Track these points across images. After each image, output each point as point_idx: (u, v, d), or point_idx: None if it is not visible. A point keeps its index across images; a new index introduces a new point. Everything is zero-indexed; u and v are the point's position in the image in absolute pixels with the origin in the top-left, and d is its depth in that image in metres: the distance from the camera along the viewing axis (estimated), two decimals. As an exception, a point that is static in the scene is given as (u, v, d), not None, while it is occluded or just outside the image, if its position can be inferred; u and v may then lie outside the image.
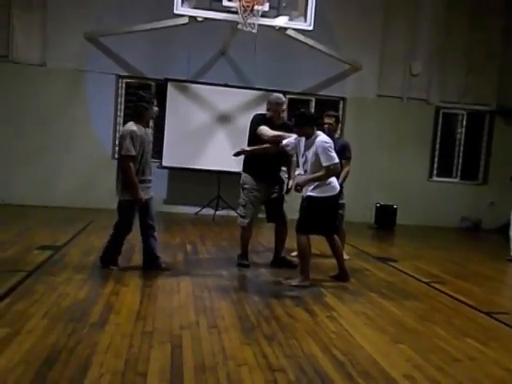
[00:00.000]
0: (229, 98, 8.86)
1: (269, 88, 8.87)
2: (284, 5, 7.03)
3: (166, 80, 8.72)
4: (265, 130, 4.98)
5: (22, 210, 7.95)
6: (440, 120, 10.11)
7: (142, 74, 8.99)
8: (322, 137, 4.56)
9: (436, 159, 10.17)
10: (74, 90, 8.77)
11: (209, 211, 8.84)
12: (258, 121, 5.15)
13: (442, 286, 4.99)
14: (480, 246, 8.38)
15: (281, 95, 5.25)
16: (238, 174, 9.18)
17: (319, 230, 4.74)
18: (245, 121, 8.84)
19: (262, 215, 5.44)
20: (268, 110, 5.11)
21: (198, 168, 8.80)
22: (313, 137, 4.55)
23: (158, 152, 8.88)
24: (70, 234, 6.29)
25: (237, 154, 5.03)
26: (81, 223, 7.08)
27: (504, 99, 9.97)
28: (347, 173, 5.64)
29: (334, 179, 4.63)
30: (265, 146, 4.95)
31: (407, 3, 9.56)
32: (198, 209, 8.88)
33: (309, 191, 4.57)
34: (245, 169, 5.23)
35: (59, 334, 3.06)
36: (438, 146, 10.15)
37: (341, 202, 5.48)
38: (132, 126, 4.56)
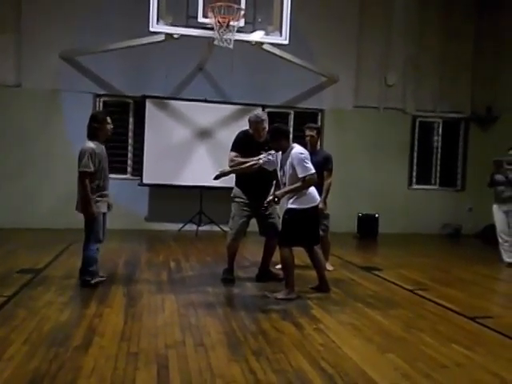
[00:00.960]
0: (208, 113, 8.88)
1: (248, 102, 8.95)
2: (259, 20, 7.10)
3: (145, 97, 8.71)
4: (231, 157, 5.03)
5: (0, 233, 7.78)
6: (417, 128, 10.28)
7: (120, 91, 8.96)
8: (297, 148, 4.59)
9: (415, 167, 10.31)
10: (50, 110, 8.68)
11: (192, 227, 8.78)
12: (237, 140, 5.18)
13: (426, 293, 5.03)
14: (462, 252, 8.48)
15: (260, 113, 5.22)
16: (220, 188, 9.20)
17: (301, 242, 4.76)
18: (225, 135, 8.96)
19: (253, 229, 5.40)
20: (250, 128, 5.11)
21: (179, 184, 8.76)
22: (288, 149, 4.58)
23: (138, 169, 8.84)
24: (51, 256, 6.18)
25: (216, 178, 4.99)
26: (61, 245, 6.95)
27: (477, 106, 10.20)
28: (330, 184, 5.69)
29: (313, 190, 4.64)
30: (243, 166, 4.94)
31: (380, 15, 9.75)
32: (180, 225, 8.81)
33: (289, 204, 4.58)
34: (236, 182, 5.27)
35: (41, 359, 2.99)
36: (416, 154, 10.31)
37: (325, 212, 5.52)
38: (90, 143, 4.78)
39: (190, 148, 8.80)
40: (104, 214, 4.88)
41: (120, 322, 3.75)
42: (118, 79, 8.88)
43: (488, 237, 9.28)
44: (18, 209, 8.48)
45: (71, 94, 8.68)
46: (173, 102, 8.84)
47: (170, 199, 8.88)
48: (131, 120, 9.16)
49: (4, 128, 8.49)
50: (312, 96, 9.59)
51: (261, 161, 4.80)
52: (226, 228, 8.93)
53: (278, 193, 4.61)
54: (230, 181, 8.85)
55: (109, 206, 4.96)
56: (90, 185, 4.67)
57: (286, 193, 4.55)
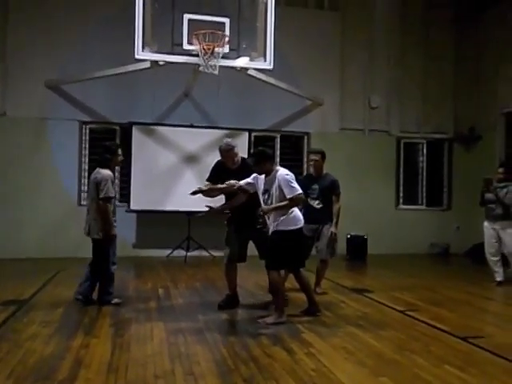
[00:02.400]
0: (195, 139, 8.90)
1: (234, 127, 9.00)
2: (244, 46, 7.20)
3: (131, 124, 8.72)
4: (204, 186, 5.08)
5: (-16, 264, 7.63)
6: (402, 150, 10.40)
7: (106, 118, 8.96)
8: (282, 170, 4.62)
9: (401, 188, 10.40)
10: (36, 139, 8.64)
11: (180, 253, 8.69)
12: (212, 169, 5.28)
13: (417, 314, 5.00)
14: (451, 271, 8.49)
15: (230, 141, 5.15)
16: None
17: (288, 265, 4.74)
18: (211, 160, 8.78)
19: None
20: (221, 157, 5.16)
21: (166, 210, 8.71)
22: (273, 172, 4.59)
23: (125, 195, 8.79)
24: (36, 286, 6.05)
25: (193, 193, 4.99)
26: (47, 274, 6.83)
27: (460, 126, 10.37)
28: (339, 209, 5.79)
29: (296, 211, 4.64)
30: (220, 186, 4.93)
31: (363, 39, 9.95)
32: (169, 251, 8.73)
33: (275, 226, 4.57)
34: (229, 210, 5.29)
35: (25, 394, 2.89)
36: (402, 175, 10.40)
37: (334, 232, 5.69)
38: (106, 171, 5.14)
39: (176, 173, 8.78)
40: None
41: (107, 353, 3.66)
42: (104, 106, 8.89)
43: (476, 255, 9.35)
44: (2, 238, 8.34)
45: (57, 121, 8.66)
46: (159, 127, 8.87)
47: (158, 225, 8.81)
48: (118, 146, 9.14)
49: (-12, 157, 8.42)
50: (298, 119, 9.68)
51: (249, 180, 4.78)
52: (214, 253, 8.93)
53: (264, 207, 4.59)
54: (217, 205, 8.82)
55: None
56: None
57: (273, 209, 4.53)
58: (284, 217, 4.53)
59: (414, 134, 10.39)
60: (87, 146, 9.04)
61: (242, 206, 5.00)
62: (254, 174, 4.77)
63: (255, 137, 9.44)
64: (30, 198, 8.54)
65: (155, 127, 8.85)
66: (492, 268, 6.80)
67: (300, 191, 4.52)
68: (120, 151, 5.36)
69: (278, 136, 9.78)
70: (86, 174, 8.98)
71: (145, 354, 3.69)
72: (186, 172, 8.83)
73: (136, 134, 8.69)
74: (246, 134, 9.11)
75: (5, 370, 3.26)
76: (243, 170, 4.99)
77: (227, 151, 5.05)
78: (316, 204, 5.78)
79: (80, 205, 8.87)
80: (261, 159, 4.63)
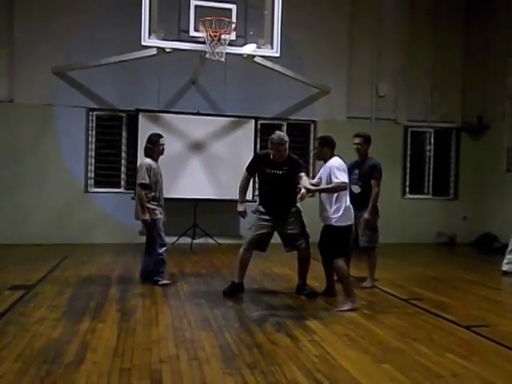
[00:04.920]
0: (201, 126, 8.88)
1: (240, 114, 8.99)
2: (251, 33, 7.14)
3: (137, 111, 8.71)
4: (242, 176, 5.28)
5: (-8, 249, 7.72)
6: (409, 138, 10.33)
7: (113, 105, 8.97)
8: (335, 159, 4.78)
9: (408, 177, 10.35)
10: (43, 125, 8.67)
11: (186, 240, 8.74)
12: (254, 160, 5.37)
13: (421, 303, 5.01)
14: (456, 261, 8.48)
15: (283, 134, 5.13)
16: (214, 200, 9.18)
17: (347, 253, 4.95)
18: (218, 147, 8.99)
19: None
20: (270, 149, 5.09)
21: (172, 197, 8.71)
22: (329, 160, 4.76)
23: (131, 183, 8.82)
24: (44, 271, 6.12)
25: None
26: (55, 259, 6.90)
27: (468, 115, 10.28)
28: (376, 194, 5.64)
29: (351, 210, 4.76)
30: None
31: (370, 26, 9.84)
32: (174, 238, 8.77)
33: (331, 221, 4.68)
34: (258, 195, 5.47)
35: (33, 377, 2.95)
36: (408, 164, 10.35)
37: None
38: (147, 160, 5.50)
39: (183, 161, 8.79)
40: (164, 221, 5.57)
41: (113, 337, 3.71)
42: (111, 93, 8.89)
43: (483, 245, 9.34)
44: (10, 224, 8.43)
45: (64, 108, 8.68)
46: (165, 115, 8.86)
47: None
48: (124, 134, 9.16)
49: (-4, 143, 8.47)
50: (304, 107, 9.63)
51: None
52: (220, 240, 8.97)
53: (310, 187, 4.70)
54: (223, 193, 8.87)
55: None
56: (146, 195, 5.37)
57: (318, 190, 4.74)
58: (340, 213, 4.65)
59: (422, 122, 10.30)
60: (94, 132, 9.05)
61: (276, 191, 5.05)
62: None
63: (262, 125, 9.42)
64: (37, 184, 8.60)
65: (161, 114, 8.84)
66: (506, 256, 6.71)
67: (343, 180, 4.61)
68: (162, 141, 5.56)
69: (285, 124, 9.75)
70: (93, 161, 9.03)
71: (150, 338, 3.74)
72: (192, 159, 8.84)
73: (142, 121, 8.69)
74: (253, 121, 9.08)
75: (12, 353, 3.32)
76: (288, 163, 4.98)
77: (281, 144, 5.00)
78: (355, 189, 5.63)
79: (86, 191, 8.93)
80: (322, 143, 4.84)
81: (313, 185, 4.81)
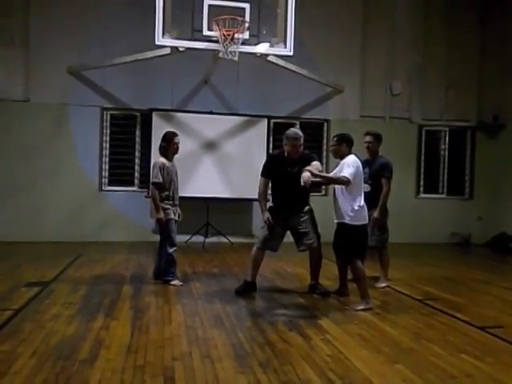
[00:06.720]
0: (214, 125, 8.91)
1: (253, 113, 8.99)
2: (264, 32, 7.14)
3: (151, 110, 8.76)
4: (259, 184, 5.19)
5: (8, 246, 7.82)
6: (423, 137, 10.24)
7: (127, 104, 9.03)
8: (350, 157, 4.78)
9: (422, 176, 10.26)
10: (58, 125, 8.76)
11: (199, 239, 8.78)
12: (268, 163, 5.28)
13: (435, 303, 4.98)
14: (471, 261, 8.39)
15: (298, 130, 5.18)
16: (226, 199, 9.19)
17: (364, 253, 4.91)
18: (231, 147, 9.01)
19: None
20: (285, 145, 5.10)
21: (185, 196, 8.73)
22: (345, 157, 4.77)
23: (145, 182, 8.88)
24: (58, 269, 6.19)
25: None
26: (69, 257, 6.97)
27: (483, 114, 10.16)
28: (387, 193, 5.57)
29: (365, 209, 4.76)
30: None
31: (384, 25, 9.78)
32: (187, 237, 8.81)
33: (347, 220, 4.67)
34: (271, 194, 5.38)
35: (48, 373, 2.98)
36: (423, 163, 10.26)
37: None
38: (162, 159, 5.45)
39: (196, 160, 8.82)
40: (175, 221, 5.53)
41: (127, 335, 3.75)
42: (125, 93, 8.96)
43: (497, 246, 9.22)
44: (25, 222, 8.54)
45: (78, 107, 8.76)
46: (179, 114, 8.89)
47: (177, 211, 8.88)
48: (138, 133, 9.22)
49: (12, 142, 8.58)
50: (317, 106, 9.61)
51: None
52: (232, 239, 8.98)
53: (313, 170, 4.64)
54: (235, 192, 8.89)
55: (178, 216, 5.60)
56: (159, 194, 5.31)
57: (320, 176, 4.70)
58: (355, 212, 4.65)
59: (436, 121, 10.21)
60: (108, 131, 9.13)
61: (290, 195, 5.03)
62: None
63: (274, 124, 9.42)
64: (51, 183, 8.70)
65: (175, 114, 8.88)
66: None
67: (347, 175, 4.57)
68: (177, 139, 5.49)
69: (298, 123, 9.72)
70: (107, 160, 9.10)
71: (163, 336, 3.76)
72: (204, 158, 8.87)
73: (156, 120, 8.74)
74: (265, 120, 9.08)
75: (28, 350, 3.36)
76: (302, 161, 4.97)
77: (297, 139, 5.02)
78: (365, 188, 5.58)
79: (101, 190, 9.01)
80: (341, 140, 4.83)
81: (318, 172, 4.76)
